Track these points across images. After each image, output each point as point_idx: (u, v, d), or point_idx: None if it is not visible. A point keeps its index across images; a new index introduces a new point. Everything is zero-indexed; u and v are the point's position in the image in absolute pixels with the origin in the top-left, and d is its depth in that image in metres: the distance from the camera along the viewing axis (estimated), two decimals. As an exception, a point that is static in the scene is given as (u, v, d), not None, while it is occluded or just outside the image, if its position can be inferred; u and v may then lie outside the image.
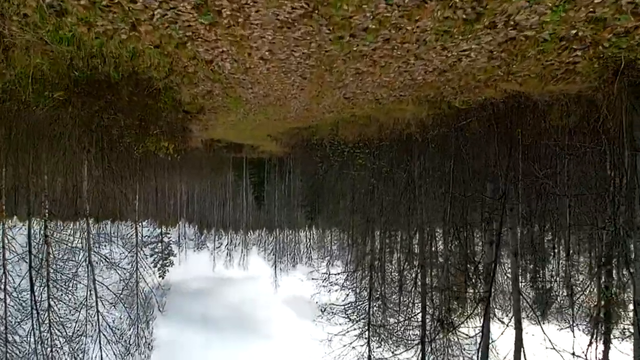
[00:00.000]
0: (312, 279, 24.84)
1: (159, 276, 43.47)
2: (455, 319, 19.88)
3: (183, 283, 43.01)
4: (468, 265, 19.81)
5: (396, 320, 21.99)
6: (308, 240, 41.47)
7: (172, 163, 32.96)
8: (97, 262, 25.84)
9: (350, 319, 21.48)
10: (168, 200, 44.32)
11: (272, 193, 44.49)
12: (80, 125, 11.21)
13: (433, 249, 20.51)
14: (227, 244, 44.12)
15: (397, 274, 23.11)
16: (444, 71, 7.75)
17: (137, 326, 27.44)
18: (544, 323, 16.74)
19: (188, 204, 46.03)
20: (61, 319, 21.40)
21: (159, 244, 43.24)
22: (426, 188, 19.65)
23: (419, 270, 21.02)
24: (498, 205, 14.92)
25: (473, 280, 19.46)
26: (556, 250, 17.31)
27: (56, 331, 21.01)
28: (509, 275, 19.78)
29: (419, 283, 21.34)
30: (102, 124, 12.35)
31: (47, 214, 21.74)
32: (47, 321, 20.20)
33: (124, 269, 28.26)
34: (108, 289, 25.16)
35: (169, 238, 43.50)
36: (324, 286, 24.34)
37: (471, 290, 18.93)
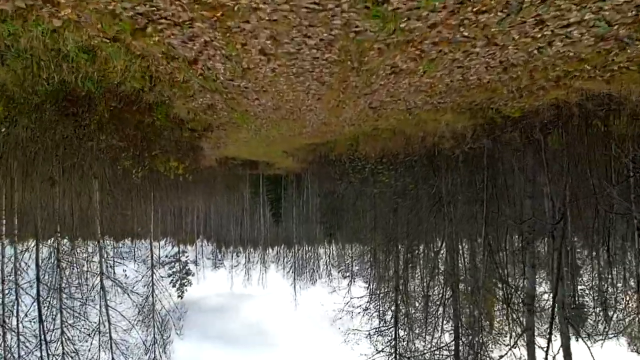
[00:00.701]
0: (334, 303, 22.64)
1: (178, 296, 41.78)
2: (491, 347, 17.58)
3: (202, 300, 41.36)
4: (504, 289, 17.50)
5: (425, 348, 19.68)
6: (327, 257, 39.27)
7: (186, 182, 31.27)
8: (110, 287, 24.12)
9: (376, 350, 19.23)
10: (185, 218, 42.55)
11: (289, 209, 42.40)
12: (51, 148, 9.29)
13: (463, 270, 18.20)
14: (245, 262, 42.11)
15: (423, 298, 20.79)
16: (513, 65, 5.61)
17: (155, 351, 25.74)
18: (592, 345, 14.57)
19: (205, 222, 44.20)
20: (75, 347, 19.93)
21: (177, 264, 41.44)
22: (455, 205, 17.46)
23: (449, 294, 18.74)
24: (548, 226, 12.69)
25: (510, 305, 17.14)
26: (612, 276, 14.90)
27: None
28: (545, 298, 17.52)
29: (450, 307, 19.03)
30: (73, 148, 10.40)
31: (59, 237, 20.28)
32: (59, 350, 18.34)
33: (137, 293, 26.34)
34: (121, 314, 23.43)
35: (186, 257, 41.67)
36: (346, 311, 22.19)
37: (509, 316, 16.69)
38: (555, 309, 14.66)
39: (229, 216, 44.00)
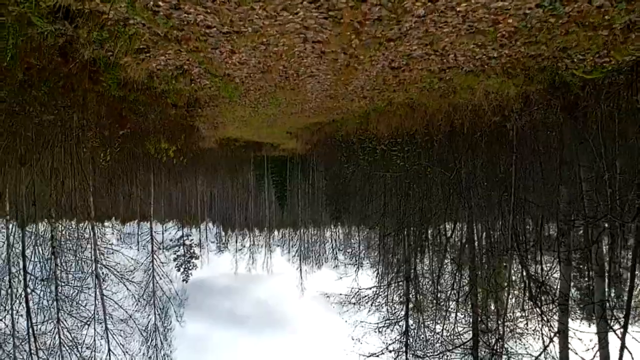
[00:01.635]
0: (340, 295, 20.36)
1: (183, 280, 39.98)
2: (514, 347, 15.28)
3: (210, 280, 39.25)
4: (529, 285, 15.12)
5: (439, 343, 17.44)
6: (333, 241, 36.96)
7: (186, 164, 28.96)
8: (106, 275, 22.11)
9: (387, 348, 17.00)
10: (189, 201, 40.32)
11: (294, 192, 40.04)
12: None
13: (484, 263, 15.81)
14: (250, 245, 39.91)
15: (434, 292, 18.44)
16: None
17: (156, 338, 23.84)
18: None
19: (209, 205, 41.97)
20: (72, 335, 18.13)
21: (182, 247, 39.38)
22: (476, 190, 15.01)
23: (466, 288, 16.40)
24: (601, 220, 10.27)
25: (537, 302, 14.78)
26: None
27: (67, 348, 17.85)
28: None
29: (468, 302, 16.71)
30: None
31: (52, 221, 18.24)
32: (57, 340, 16.59)
33: (134, 282, 24.22)
34: (117, 304, 21.46)
35: (191, 241, 39.52)
36: (353, 303, 19.94)
37: (538, 318, 14.38)
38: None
39: (234, 199, 41.69)
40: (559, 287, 14.12)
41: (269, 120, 17.12)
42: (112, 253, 23.51)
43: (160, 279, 28.02)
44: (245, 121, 17.38)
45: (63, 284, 18.96)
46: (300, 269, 36.94)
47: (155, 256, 28.56)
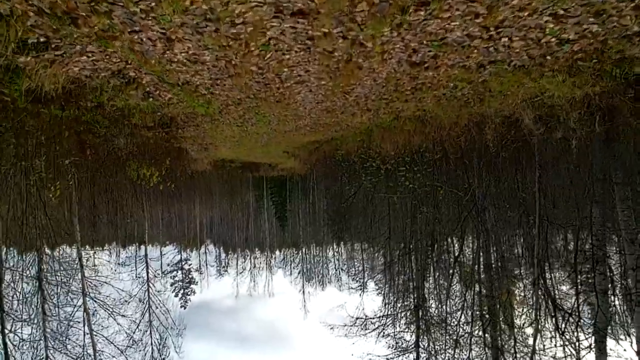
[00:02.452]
0: (344, 325, 18.23)
1: (181, 306, 37.98)
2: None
3: (216, 301, 37.42)
4: (556, 316, 13.04)
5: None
6: (336, 261, 34.74)
7: (181, 187, 27.08)
8: (96, 309, 20.15)
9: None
10: (188, 224, 38.26)
11: (295, 212, 37.96)
12: None
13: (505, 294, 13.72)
14: (251, 267, 37.73)
15: (449, 321, 16.33)
16: None
17: (154, 369, 21.88)
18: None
19: (209, 227, 39.87)
20: None
21: (179, 272, 37.24)
22: (494, 211, 13.05)
23: (485, 319, 14.33)
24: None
25: (564, 336, 12.70)
26: None
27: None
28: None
29: (487, 334, 14.61)
30: None
31: (41, 249, 16.44)
32: None
33: (125, 316, 22.04)
34: (108, 340, 19.38)
35: (189, 265, 37.37)
36: (359, 335, 17.86)
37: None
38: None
39: (233, 220, 39.61)
40: (589, 315, 12.14)
41: (262, 140, 15.26)
42: (102, 285, 21.55)
43: (157, 308, 26.01)
44: (236, 141, 15.51)
45: (50, 319, 17.25)
46: (303, 291, 34.77)
47: (151, 284, 26.54)
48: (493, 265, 13.78)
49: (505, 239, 13.33)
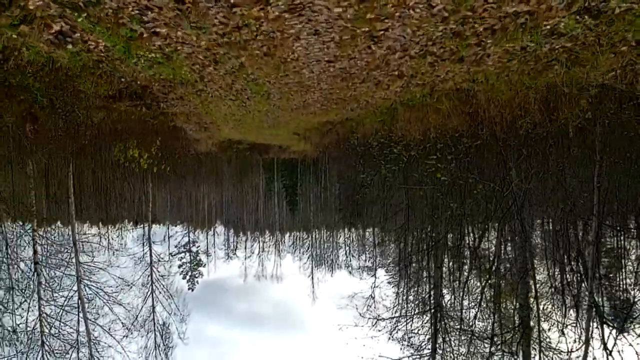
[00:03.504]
0: (356, 325, 16.05)
1: (189, 288, 36.34)
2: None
3: (227, 280, 35.51)
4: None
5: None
6: (347, 247, 32.50)
7: (191, 167, 24.97)
8: (94, 294, 18.45)
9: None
10: (197, 206, 36.27)
11: (306, 196, 35.71)
12: None
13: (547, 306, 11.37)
14: (259, 252, 35.72)
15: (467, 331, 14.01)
16: None
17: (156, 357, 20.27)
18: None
19: (217, 210, 37.85)
20: None
21: (187, 254, 35.40)
22: (535, 210, 10.69)
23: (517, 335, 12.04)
24: None
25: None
26: None
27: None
28: None
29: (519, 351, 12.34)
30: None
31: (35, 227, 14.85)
32: None
33: (122, 304, 20.20)
34: (103, 329, 17.80)
35: (197, 247, 35.46)
36: (372, 337, 15.73)
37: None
38: None
39: (243, 203, 37.50)
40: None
41: (267, 120, 12.98)
42: (98, 271, 19.73)
43: (160, 293, 24.17)
44: (238, 120, 13.26)
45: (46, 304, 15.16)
46: (312, 276, 32.72)
47: (154, 268, 24.68)
48: (530, 273, 11.45)
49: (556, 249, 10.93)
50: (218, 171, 29.60)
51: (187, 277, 34.77)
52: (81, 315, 17.67)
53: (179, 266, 34.51)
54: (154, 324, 22.06)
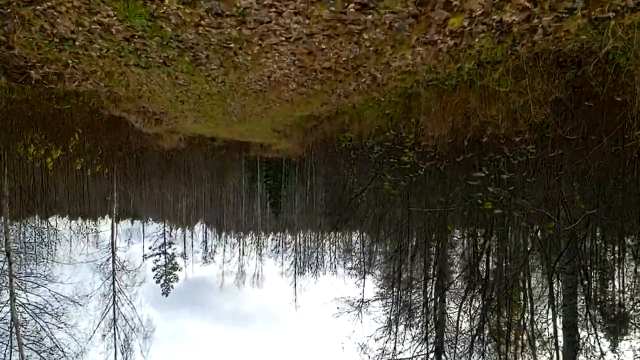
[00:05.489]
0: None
1: (162, 293, 32.72)
2: None
3: (214, 278, 31.55)
4: None
5: None
6: (332, 253, 28.75)
7: (164, 163, 21.03)
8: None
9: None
10: (175, 204, 32.25)
11: (291, 198, 31.86)
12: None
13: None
14: (240, 256, 31.88)
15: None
16: None
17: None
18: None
19: (197, 209, 33.82)
20: None
21: (162, 256, 31.47)
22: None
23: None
24: None
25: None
26: None
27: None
28: None
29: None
30: None
31: None
32: None
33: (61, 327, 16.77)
34: (40, 355, 14.28)
35: (173, 249, 31.54)
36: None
37: None
38: None
39: (223, 204, 33.55)
40: None
41: (232, 110, 9.21)
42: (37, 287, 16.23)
43: (122, 305, 20.40)
44: (194, 110, 9.47)
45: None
46: (295, 284, 28.98)
47: (116, 278, 20.79)
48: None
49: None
50: (191, 170, 25.67)
51: (162, 282, 31.05)
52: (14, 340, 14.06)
53: (153, 269, 30.76)
54: (114, 339, 18.45)
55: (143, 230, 31.90)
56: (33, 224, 17.29)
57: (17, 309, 14.06)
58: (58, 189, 14.69)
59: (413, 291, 13.72)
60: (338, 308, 15.41)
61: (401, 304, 14.32)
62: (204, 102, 8.05)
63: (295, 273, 29.75)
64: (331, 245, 29.02)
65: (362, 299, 14.85)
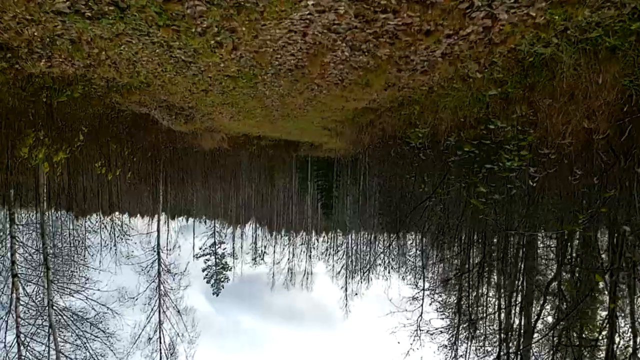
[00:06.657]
0: None
1: (213, 293, 31.85)
2: None
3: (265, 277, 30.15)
4: None
5: None
6: (386, 257, 26.41)
7: (211, 162, 19.69)
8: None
9: None
10: (226, 204, 31.17)
11: (342, 199, 29.80)
12: None
13: None
14: (289, 258, 30.27)
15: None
16: None
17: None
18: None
19: (247, 209, 32.56)
20: None
21: (212, 256, 30.50)
22: None
23: None
24: None
25: None
26: None
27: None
28: None
29: None
30: None
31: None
32: None
33: (107, 333, 15.64)
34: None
35: (223, 250, 30.43)
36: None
37: None
38: None
39: (272, 206, 32.05)
40: None
41: (271, 104, 7.28)
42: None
43: (167, 309, 19.31)
44: (228, 104, 7.62)
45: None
46: (346, 289, 26.93)
47: (161, 280, 19.74)
48: None
49: None
50: (239, 169, 24.27)
51: (212, 282, 30.15)
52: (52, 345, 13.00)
53: (203, 269, 29.97)
54: (159, 343, 17.28)
55: (194, 230, 31.10)
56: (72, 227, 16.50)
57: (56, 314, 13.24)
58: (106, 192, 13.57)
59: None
60: (395, 328, 13.30)
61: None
62: (231, 91, 6.16)
63: (346, 277, 27.81)
64: (385, 249, 26.77)
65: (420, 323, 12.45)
